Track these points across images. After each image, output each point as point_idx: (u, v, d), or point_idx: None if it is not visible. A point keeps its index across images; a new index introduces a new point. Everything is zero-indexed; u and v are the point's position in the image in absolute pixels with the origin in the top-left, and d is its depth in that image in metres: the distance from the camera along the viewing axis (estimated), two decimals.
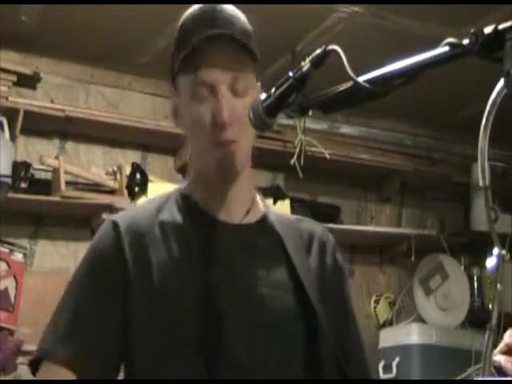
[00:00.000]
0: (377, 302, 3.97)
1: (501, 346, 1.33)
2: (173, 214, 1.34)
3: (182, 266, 1.28)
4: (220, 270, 1.27)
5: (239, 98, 1.29)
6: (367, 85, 1.05)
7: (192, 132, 1.32)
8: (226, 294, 1.26)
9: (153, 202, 1.40)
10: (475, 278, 4.03)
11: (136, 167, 3.44)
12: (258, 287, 1.29)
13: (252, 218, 1.37)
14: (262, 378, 1.23)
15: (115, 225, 1.31)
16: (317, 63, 1.12)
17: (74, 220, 3.40)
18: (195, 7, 1.35)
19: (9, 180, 3.12)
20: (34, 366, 1.27)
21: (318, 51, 1.12)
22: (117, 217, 1.34)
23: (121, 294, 1.26)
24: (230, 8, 1.35)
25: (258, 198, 1.42)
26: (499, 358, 1.32)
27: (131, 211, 1.41)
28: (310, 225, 1.45)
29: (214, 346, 1.22)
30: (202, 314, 1.24)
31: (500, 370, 1.29)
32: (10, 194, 3.10)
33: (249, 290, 1.28)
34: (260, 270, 1.31)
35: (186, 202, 1.36)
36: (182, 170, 3.60)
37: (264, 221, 1.38)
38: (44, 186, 3.26)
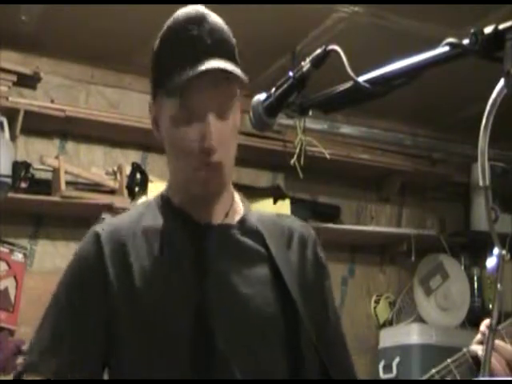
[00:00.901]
0: (377, 302, 3.97)
1: (478, 336, 1.34)
2: (155, 219, 1.36)
3: (167, 271, 1.29)
4: (207, 272, 1.29)
5: (224, 121, 1.30)
6: (367, 85, 1.05)
7: (176, 153, 1.35)
8: (209, 293, 1.27)
9: (136, 208, 1.43)
10: (475, 278, 4.03)
11: (136, 167, 3.44)
12: (239, 284, 1.30)
13: (233, 218, 1.39)
14: (244, 372, 1.24)
15: (96, 235, 1.32)
16: (317, 63, 1.13)
17: (74, 220, 3.40)
18: (176, 24, 1.34)
19: (9, 180, 3.11)
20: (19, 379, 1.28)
21: (318, 51, 1.12)
22: (99, 227, 1.35)
23: (102, 306, 1.27)
24: (213, 24, 1.31)
25: (237, 197, 1.44)
26: (476, 347, 1.33)
27: (115, 220, 1.43)
28: (290, 221, 1.46)
29: (204, 352, 1.23)
30: (185, 315, 1.25)
31: (477, 361, 1.30)
32: (10, 194, 3.10)
33: (231, 286, 1.30)
34: (242, 268, 1.33)
35: (167, 205, 1.38)
36: None
37: (245, 220, 1.40)
38: (44, 186, 3.26)
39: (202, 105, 1.27)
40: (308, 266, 1.40)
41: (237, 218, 1.39)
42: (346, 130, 4.05)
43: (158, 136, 1.40)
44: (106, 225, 1.36)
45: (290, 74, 1.15)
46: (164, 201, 1.40)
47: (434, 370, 1.31)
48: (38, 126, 3.36)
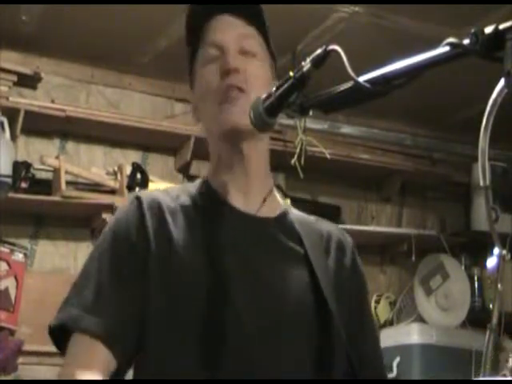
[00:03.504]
0: (377, 301, 3.97)
1: None
2: (192, 201, 1.34)
3: (198, 249, 1.27)
4: (234, 259, 1.27)
5: (247, 57, 1.32)
6: (368, 85, 1.05)
7: (202, 97, 1.34)
8: (239, 281, 1.25)
9: (173, 188, 1.41)
10: (476, 278, 4.03)
11: (136, 167, 3.44)
12: (272, 278, 1.28)
13: (271, 213, 1.36)
14: (269, 368, 1.22)
15: (139, 201, 1.30)
16: (317, 63, 1.12)
17: (75, 220, 3.41)
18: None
19: (9, 180, 3.12)
20: (59, 334, 1.24)
21: (319, 51, 1.12)
22: (141, 193, 1.34)
23: (141, 270, 1.25)
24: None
25: (277, 194, 1.42)
26: None
27: (154, 192, 1.40)
28: (328, 226, 1.44)
29: (224, 333, 1.22)
30: (213, 301, 1.23)
31: None
32: (11, 194, 3.11)
33: (262, 279, 1.27)
34: (276, 263, 1.30)
35: (205, 191, 1.36)
36: (183, 169, 3.61)
37: (284, 217, 1.38)
38: (44, 186, 3.26)
39: (220, 37, 1.32)
40: (345, 273, 1.37)
41: (275, 212, 1.37)
42: (346, 129, 4.06)
43: (196, 119, 1.39)
44: (147, 193, 1.35)
45: (291, 73, 1.15)
46: (203, 184, 1.38)
47: None
48: (39, 125, 3.36)
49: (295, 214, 1.42)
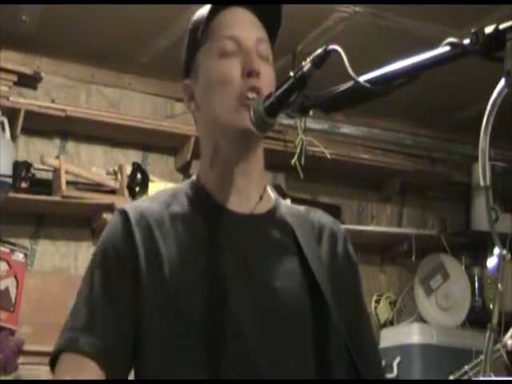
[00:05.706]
0: (377, 301, 3.97)
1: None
2: (183, 207, 1.33)
3: (192, 258, 1.27)
4: (230, 260, 1.27)
5: (262, 61, 1.31)
6: (368, 85, 1.05)
7: (215, 88, 1.31)
8: (236, 284, 1.25)
9: (163, 193, 1.38)
10: (476, 278, 4.03)
11: (137, 167, 3.44)
12: (269, 277, 1.28)
13: (263, 209, 1.36)
14: (270, 370, 1.23)
15: (126, 216, 1.29)
16: (318, 63, 1.13)
17: (75, 220, 3.41)
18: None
19: (10, 180, 3.12)
20: (54, 361, 1.26)
21: (319, 51, 1.12)
22: (127, 207, 1.32)
23: (133, 287, 1.25)
24: None
25: (269, 188, 1.41)
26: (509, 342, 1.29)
27: (142, 202, 1.40)
28: (320, 215, 1.43)
29: (223, 335, 1.22)
30: (211, 305, 1.23)
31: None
32: (11, 194, 3.11)
33: (260, 279, 1.28)
34: (271, 261, 1.30)
35: (196, 193, 1.35)
36: (183, 169, 3.61)
37: (275, 211, 1.37)
38: (45, 186, 3.26)
39: (242, 32, 1.31)
40: (338, 263, 1.37)
41: (267, 207, 1.37)
42: (346, 129, 4.06)
43: (192, 110, 1.39)
44: (134, 206, 1.33)
45: (291, 73, 1.15)
46: (194, 187, 1.37)
47: (467, 367, 1.29)
48: (39, 125, 3.36)
49: (286, 206, 1.42)
